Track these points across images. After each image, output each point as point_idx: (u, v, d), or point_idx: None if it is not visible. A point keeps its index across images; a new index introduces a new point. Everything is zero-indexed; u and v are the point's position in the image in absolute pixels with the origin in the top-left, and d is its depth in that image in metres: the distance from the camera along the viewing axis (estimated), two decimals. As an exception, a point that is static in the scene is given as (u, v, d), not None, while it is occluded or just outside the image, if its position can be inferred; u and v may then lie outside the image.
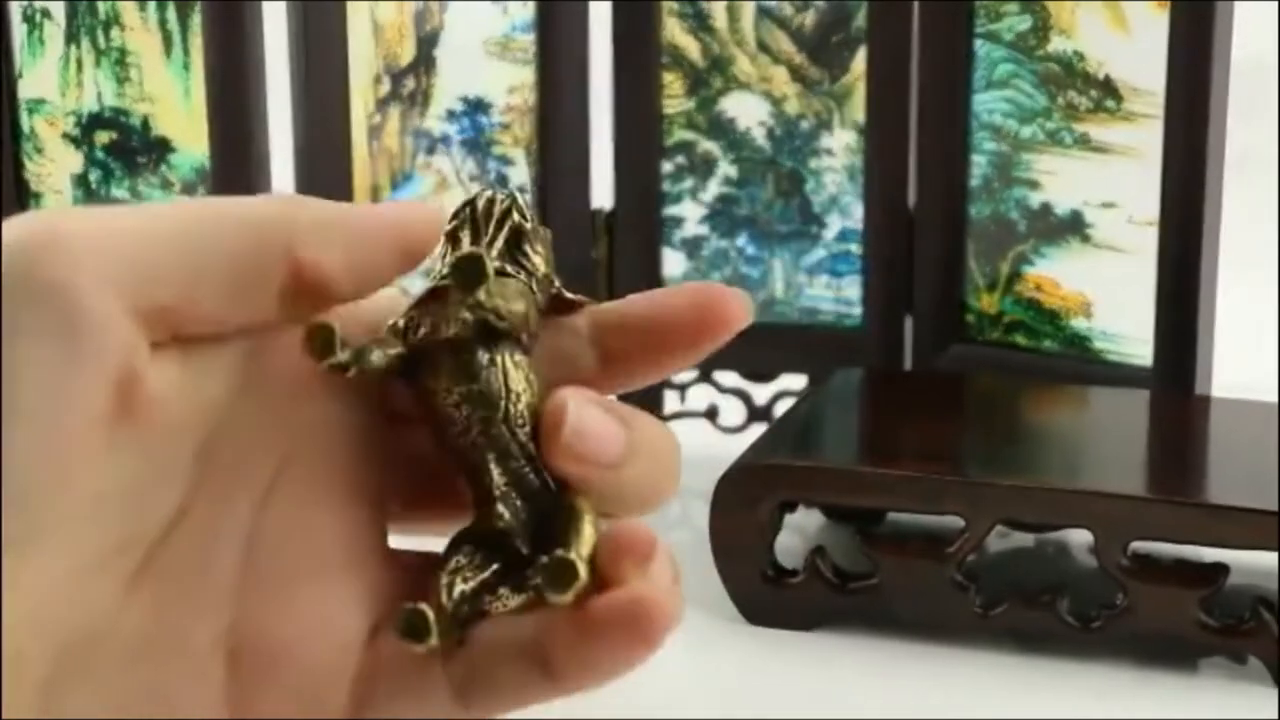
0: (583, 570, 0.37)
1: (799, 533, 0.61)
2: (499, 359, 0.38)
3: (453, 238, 0.40)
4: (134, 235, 0.36)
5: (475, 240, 0.40)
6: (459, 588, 0.38)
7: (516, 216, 0.40)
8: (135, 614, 0.37)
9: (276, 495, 0.38)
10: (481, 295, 0.38)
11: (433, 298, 0.39)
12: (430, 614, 0.37)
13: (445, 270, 0.39)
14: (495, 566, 0.38)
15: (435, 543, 0.40)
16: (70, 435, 0.35)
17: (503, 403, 0.38)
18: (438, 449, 0.39)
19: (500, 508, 0.38)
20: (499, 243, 0.40)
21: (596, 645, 0.37)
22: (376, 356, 0.38)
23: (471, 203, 0.40)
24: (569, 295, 0.40)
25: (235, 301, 0.38)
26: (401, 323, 0.38)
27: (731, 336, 0.41)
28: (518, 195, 0.40)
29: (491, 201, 0.40)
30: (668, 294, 0.41)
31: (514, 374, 0.38)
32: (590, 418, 0.38)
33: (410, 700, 0.39)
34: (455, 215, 0.40)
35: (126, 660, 0.37)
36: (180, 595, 0.37)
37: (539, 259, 0.40)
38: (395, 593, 0.39)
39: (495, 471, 0.38)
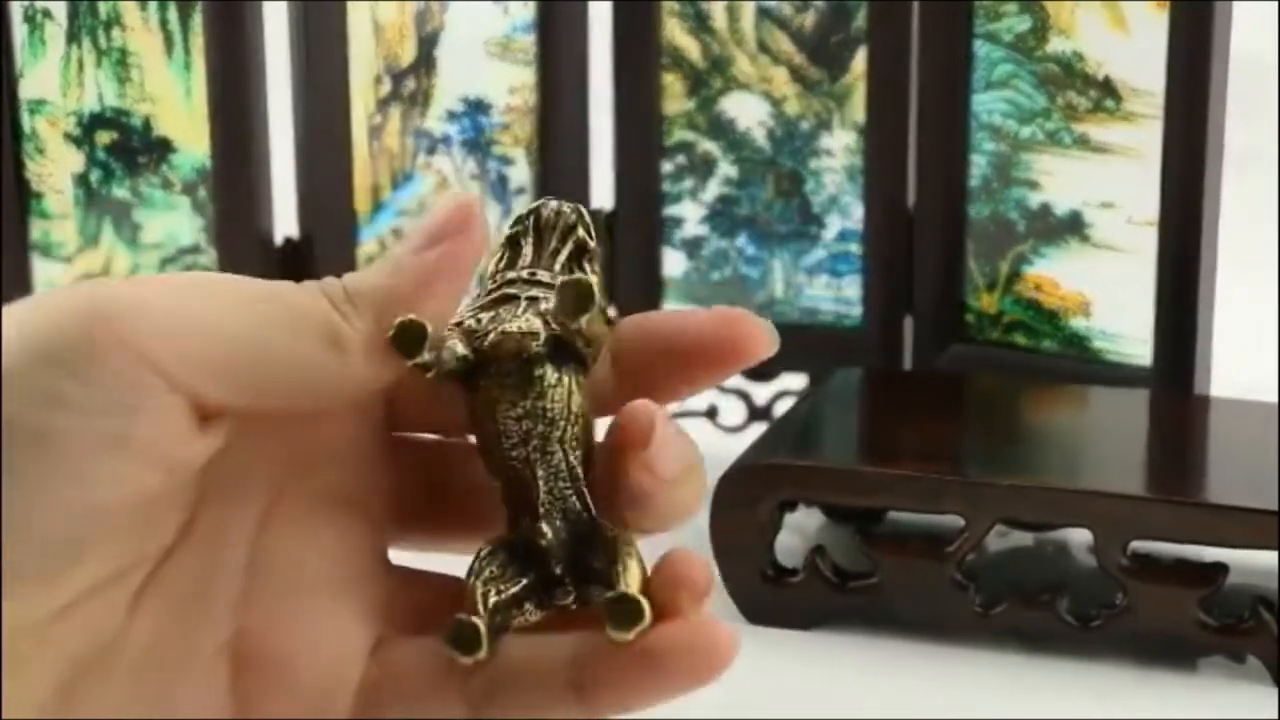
0: (648, 611, 0.37)
1: (799, 532, 0.61)
2: (566, 379, 0.38)
3: (513, 244, 0.39)
4: (205, 334, 0.37)
5: (538, 251, 0.39)
6: (493, 599, 0.38)
7: (582, 232, 0.39)
8: (142, 627, 0.38)
9: (279, 512, 0.39)
10: (582, 322, 0.37)
11: (503, 301, 0.38)
12: (482, 626, 0.37)
13: (536, 290, 0.38)
14: (525, 581, 0.38)
15: (434, 559, 0.41)
16: (115, 511, 0.36)
17: (563, 423, 0.38)
18: (482, 455, 0.39)
19: (544, 526, 0.38)
20: (562, 256, 0.39)
21: (654, 675, 0.38)
22: (448, 357, 0.37)
23: (536, 211, 0.39)
24: (610, 314, 0.40)
25: (298, 400, 0.39)
26: (470, 323, 0.38)
27: (753, 364, 0.40)
28: (584, 210, 0.40)
29: (558, 214, 0.39)
30: (692, 315, 0.41)
31: (576, 395, 0.38)
32: (670, 433, 0.38)
33: (422, 713, 0.39)
34: (519, 221, 0.40)
35: (134, 672, 0.38)
36: (184, 609, 0.38)
37: (595, 279, 0.39)
38: (396, 606, 0.40)
39: (543, 489, 0.38)
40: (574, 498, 0.38)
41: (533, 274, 0.39)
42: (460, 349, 0.37)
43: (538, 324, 0.37)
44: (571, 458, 0.38)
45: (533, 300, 0.38)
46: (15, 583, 0.35)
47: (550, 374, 0.38)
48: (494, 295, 0.39)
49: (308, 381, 0.38)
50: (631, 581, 0.37)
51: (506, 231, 0.40)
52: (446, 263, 0.39)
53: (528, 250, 0.39)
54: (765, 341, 0.40)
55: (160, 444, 0.36)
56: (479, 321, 0.38)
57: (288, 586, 0.39)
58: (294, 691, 0.39)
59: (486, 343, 0.38)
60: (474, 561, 0.39)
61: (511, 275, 0.39)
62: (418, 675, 0.39)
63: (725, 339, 0.40)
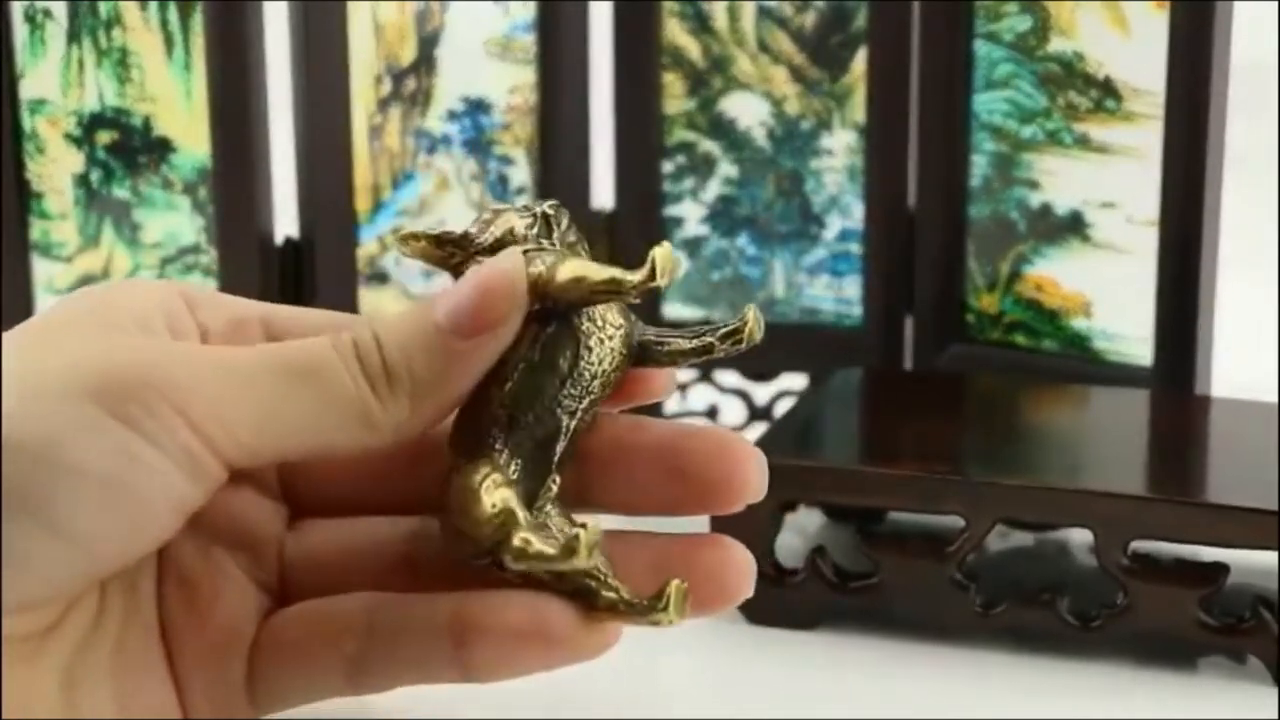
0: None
1: (799, 532, 0.61)
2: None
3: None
4: (248, 419, 0.39)
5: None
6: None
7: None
8: (105, 628, 0.41)
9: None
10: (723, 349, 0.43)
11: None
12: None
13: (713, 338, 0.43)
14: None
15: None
16: (125, 558, 0.39)
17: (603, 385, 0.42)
18: (513, 402, 0.41)
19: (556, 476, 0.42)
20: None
21: (533, 643, 0.41)
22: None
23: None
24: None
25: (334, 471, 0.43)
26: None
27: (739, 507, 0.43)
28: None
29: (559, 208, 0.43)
30: (690, 435, 0.43)
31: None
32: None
33: (303, 681, 0.43)
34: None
35: (106, 666, 0.41)
36: (121, 602, 0.42)
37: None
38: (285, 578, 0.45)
39: (563, 446, 0.42)
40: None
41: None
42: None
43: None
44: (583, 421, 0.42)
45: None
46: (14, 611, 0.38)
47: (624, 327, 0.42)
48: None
49: (339, 447, 0.40)
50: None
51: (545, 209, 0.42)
52: (487, 356, 0.40)
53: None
54: (755, 487, 0.43)
55: (196, 501, 0.39)
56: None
57: (194, 556, 0.43)
58: (199, 652, 0.43)
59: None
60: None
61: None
62: (304, 642, 0.43)
63: (718, 472, 0.42)
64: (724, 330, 0.43)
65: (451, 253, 0.42)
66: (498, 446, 0.41)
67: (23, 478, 0.37)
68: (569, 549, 0.39)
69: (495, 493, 0.40)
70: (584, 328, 0.41)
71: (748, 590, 0.43)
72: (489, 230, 0.42)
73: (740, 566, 0.42)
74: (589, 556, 0.39)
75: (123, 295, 0.42)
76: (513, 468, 0.41)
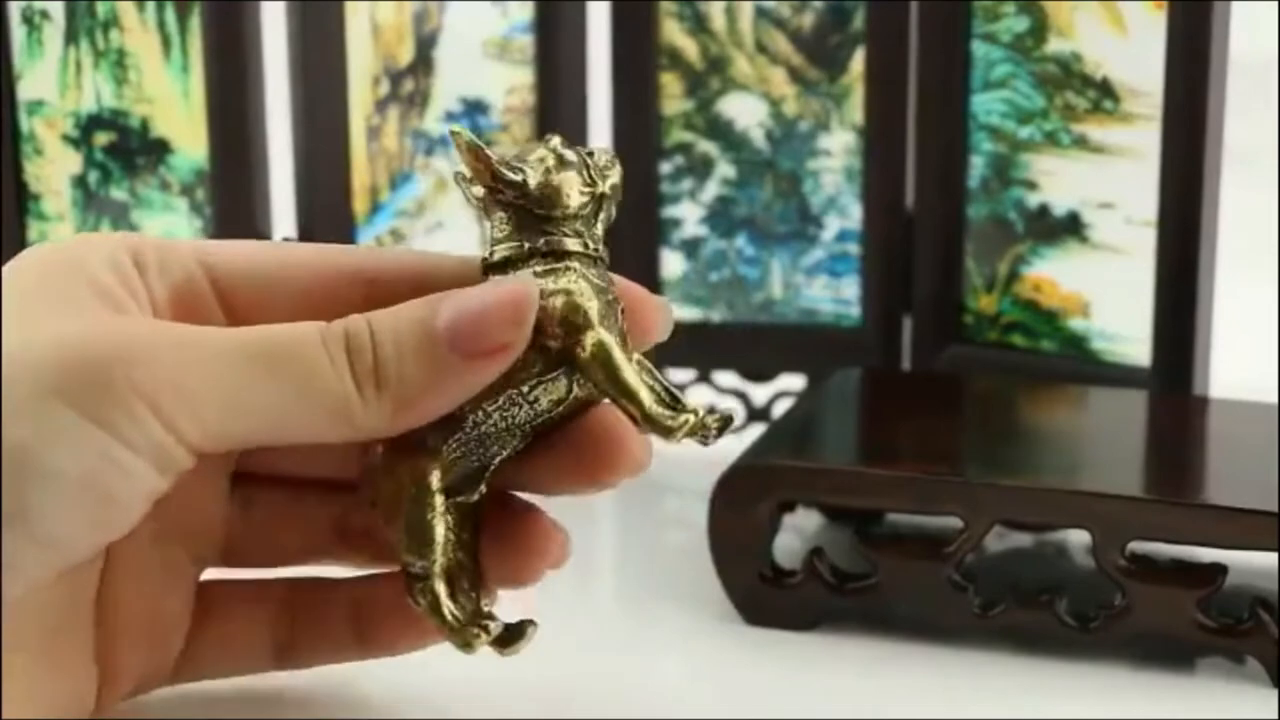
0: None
1: (797, 533, 0.61)
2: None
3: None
4: (221, 402, 0.39)
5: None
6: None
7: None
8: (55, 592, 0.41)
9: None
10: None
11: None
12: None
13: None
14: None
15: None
16: (93, 547, 0.40)
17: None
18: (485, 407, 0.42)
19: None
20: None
21: (419, 628, 0.45)
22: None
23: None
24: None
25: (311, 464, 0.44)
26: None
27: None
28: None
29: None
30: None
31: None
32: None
33: (230, 661, 0.46)
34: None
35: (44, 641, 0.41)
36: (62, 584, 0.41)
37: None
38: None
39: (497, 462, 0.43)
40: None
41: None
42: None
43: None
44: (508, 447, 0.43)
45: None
46: None
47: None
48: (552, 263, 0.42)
49: (309, 438, 0.40)
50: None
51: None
52: (483, 379, 0.40)
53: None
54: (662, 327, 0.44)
55: (163, 488, 0.39)
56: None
57: (142, 541, 0.43)
58: (137, 639, 0.44)
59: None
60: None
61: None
62: (234, 624, 0.45)
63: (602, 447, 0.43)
64: (711, 416, 0.43)
65: (493, 185, 0.42)
66: (444, 447, 0.42)
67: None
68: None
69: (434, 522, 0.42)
70: (579, 379, 0.42)
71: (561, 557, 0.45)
72: (543, 187, 0.42)
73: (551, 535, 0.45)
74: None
75: (74, 258, 0.41)
76: (450, 470, 0.42)
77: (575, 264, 0.42)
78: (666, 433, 0.42)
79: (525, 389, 0.42)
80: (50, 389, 0.37)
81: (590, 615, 0.58)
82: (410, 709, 0.50)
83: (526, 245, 0.42)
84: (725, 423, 0.43)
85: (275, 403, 0.39)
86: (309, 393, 0.39)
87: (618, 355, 0.41)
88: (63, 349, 0.37)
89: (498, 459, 0.43)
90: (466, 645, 0.43)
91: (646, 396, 0.42)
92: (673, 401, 0.43)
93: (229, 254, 0.43)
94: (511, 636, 0.44)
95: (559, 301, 0.41)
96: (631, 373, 0.41)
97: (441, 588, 0.42)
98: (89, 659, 0.43)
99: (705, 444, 0.43)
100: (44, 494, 0.37)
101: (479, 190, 0.43)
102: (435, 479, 0.42)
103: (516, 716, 0.50)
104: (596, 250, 0.43)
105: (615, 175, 0.43)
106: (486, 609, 0.44)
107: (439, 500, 0.42)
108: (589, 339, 0.41)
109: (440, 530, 0.42)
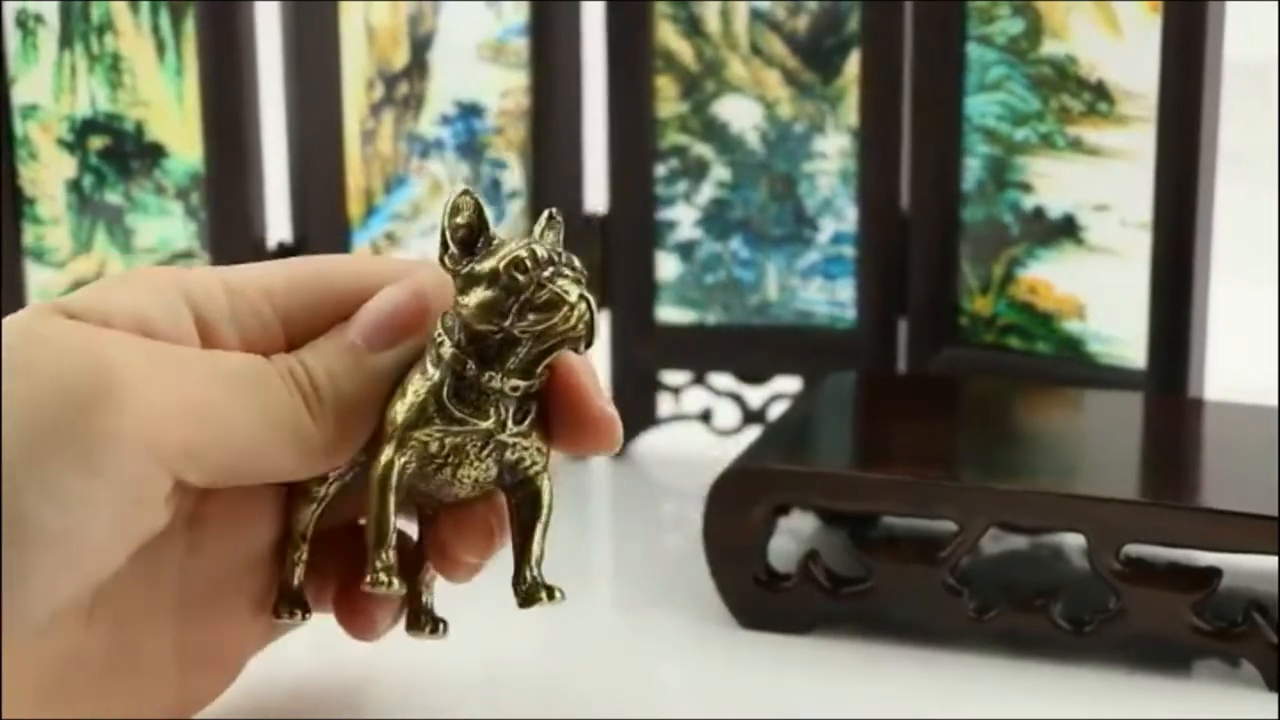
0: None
1: (793, 536, 0.61)
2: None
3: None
4: (195, 422, 0.40)
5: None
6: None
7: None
8: (96, 641, 0.42)
9: (201, 538, 0.44)
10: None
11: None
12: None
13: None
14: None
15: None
16: (95, 583, 0.40)
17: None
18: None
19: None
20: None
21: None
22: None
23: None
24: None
25: (253, 481, 0.43)
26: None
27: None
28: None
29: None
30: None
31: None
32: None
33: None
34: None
35: (94, 677, 0.42)
36: (131, 619, 0.43)
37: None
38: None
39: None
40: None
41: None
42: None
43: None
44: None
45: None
46: None
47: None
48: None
49: (272, 471, 0.42)
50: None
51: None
52: (401, 363, 0.43)
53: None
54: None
55: (150, 527, 0.40)
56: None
57: (217, 595, 0.45)
58: (216, 674, 0.46)
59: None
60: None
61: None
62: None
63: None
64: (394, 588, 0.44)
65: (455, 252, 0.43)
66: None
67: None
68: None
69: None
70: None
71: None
72: (490, 263, 0.42)
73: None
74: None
75: (119, 298, 0.42)
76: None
77: (454, 382, 0.42)
78: (368, 572, 0.43)
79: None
80: (49, 436, 0.38)
81: (585, 619, 0.58)
82: (411, 709, 0.50)
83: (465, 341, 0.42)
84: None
85: (252, 433, 0.41)
86: (274, 418, 0.41)
87: (390, 487, 0.42)
88: (48, 387, 0.38)
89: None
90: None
91: (380, 538, 0.42)
92: (391, 567, 0.43)
93: (284, 281, 0.45)
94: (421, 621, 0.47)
95: (398, 403, 0.43)
96: (389, 512, 0.42)
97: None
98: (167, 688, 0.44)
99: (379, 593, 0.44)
100: (33, 548, 0.38)
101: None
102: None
103: (515, 716, 0.50)
104: (503, 389, 0.42)
105: (535, 319, 0.41)
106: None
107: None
108: (385, 452, 0.42)
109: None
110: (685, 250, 0.73)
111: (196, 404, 0.40)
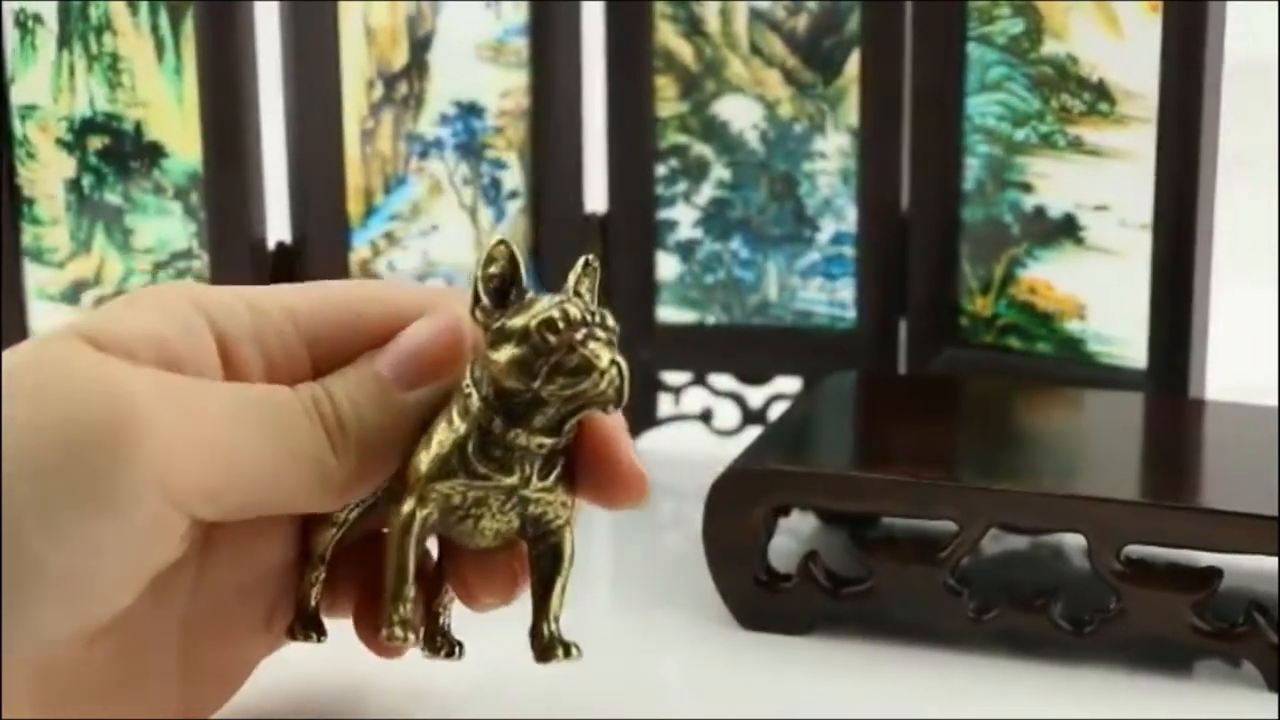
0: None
1: (793, 536, 0.61)
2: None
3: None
4: (215, 465, 0.39)
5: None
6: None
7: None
8: (99, 657, 0.41)
9: (213, 561, 0.43)
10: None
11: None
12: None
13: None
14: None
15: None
16: (99, 618, 0.40)
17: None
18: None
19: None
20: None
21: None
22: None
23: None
24: None
25: (271, 513, 0.43)
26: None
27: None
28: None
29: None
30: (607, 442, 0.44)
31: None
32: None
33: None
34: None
35: (95, 691, 0.42)
36: (136, 639, 0.42)
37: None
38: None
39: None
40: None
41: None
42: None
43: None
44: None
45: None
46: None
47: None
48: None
49: (289, 505, 0.42)
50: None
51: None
52: (428, 402, 0.42)
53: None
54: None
55: (161, 563, 0.40)
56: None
57: (219, 606, 0.44)
58: (221, 687, 0.46)
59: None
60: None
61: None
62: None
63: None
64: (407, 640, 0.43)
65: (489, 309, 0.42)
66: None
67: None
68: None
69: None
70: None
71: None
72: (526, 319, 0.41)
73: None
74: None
75: (134, 321, 0.41)
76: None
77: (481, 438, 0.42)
78: (384, 624, 0.42)
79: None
80: (40, 469, 0.37)
81: (586, 619, 0.57)
82: (411, 710, 0.50)
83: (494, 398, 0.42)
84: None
85: (271, 470, 0.40)
86: (296, 452, 0.40)
87: (411, 540, 0.42)
88: (60, 417, 0.37)
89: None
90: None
91: (398, 590, 0.42)
92: (408, 621, 0.42)
93: (307, 306, 0.44)
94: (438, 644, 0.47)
95: (422, 453, 0.42)
96: (409, 564, 0.42)
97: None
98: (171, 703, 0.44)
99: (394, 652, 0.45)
100: (30, 588, 0.37)
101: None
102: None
103: (515, 717, 0.50)
104: (529, 446, 0.42)
105: (565, 383, 0.41)
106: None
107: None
108: (407, 503, 0.42)
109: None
110: (685, 250, 0.73)
111: (215, 443, 0.39)
